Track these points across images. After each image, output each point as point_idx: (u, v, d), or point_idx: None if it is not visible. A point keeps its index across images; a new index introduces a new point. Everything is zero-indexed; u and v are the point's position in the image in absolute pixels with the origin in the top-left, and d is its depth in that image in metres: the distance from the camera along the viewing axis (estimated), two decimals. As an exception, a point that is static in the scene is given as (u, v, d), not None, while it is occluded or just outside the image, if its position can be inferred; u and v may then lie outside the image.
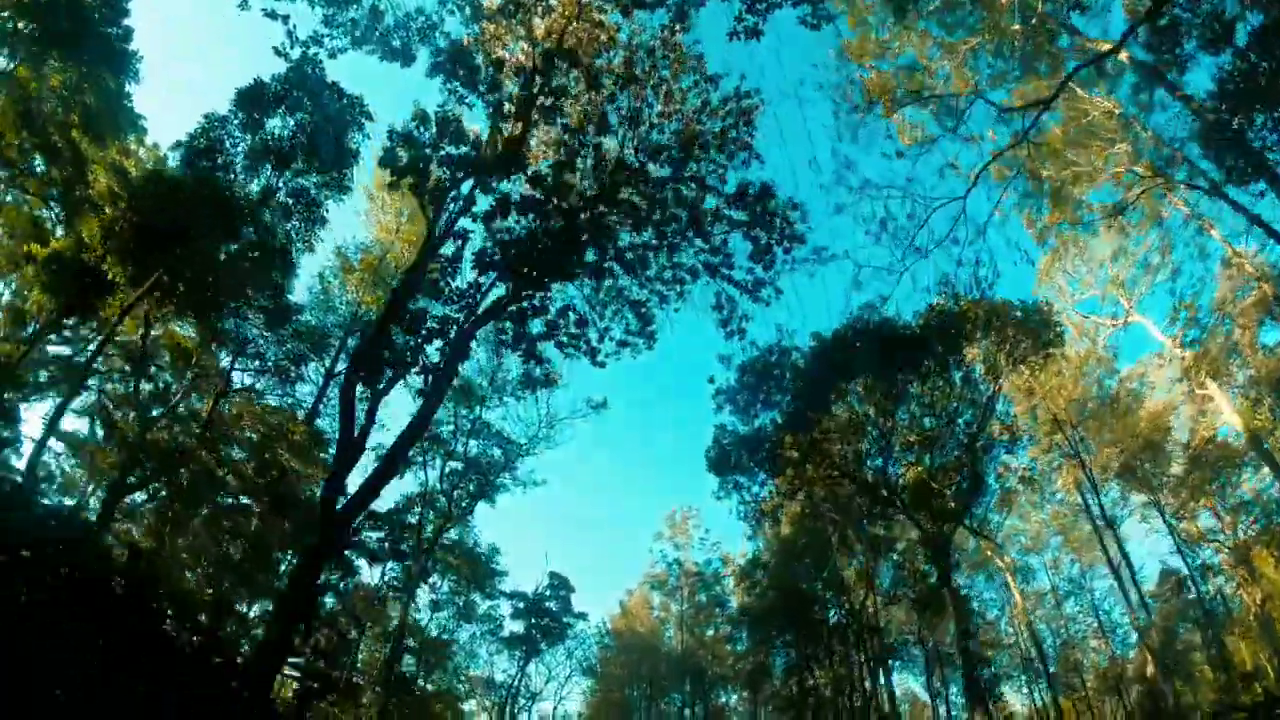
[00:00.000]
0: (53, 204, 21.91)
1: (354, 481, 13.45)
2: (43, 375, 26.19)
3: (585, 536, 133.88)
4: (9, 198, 22.12)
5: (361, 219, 27.42)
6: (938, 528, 20.89)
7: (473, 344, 15.51)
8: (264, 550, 28.14)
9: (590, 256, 16.82)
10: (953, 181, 21.10)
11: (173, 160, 19.40)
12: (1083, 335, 28.79)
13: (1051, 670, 40.50)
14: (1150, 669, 31.53)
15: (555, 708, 45.79)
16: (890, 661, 35.08)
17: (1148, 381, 30.71)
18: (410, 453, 30.81)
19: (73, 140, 20.65)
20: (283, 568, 32.86)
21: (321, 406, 24.64)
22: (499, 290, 15.39)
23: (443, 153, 16.31)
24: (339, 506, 12.43)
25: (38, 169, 21.38)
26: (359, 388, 12.51)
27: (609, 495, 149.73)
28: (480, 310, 14.56)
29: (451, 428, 30.34)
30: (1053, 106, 22.27)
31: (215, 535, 27.09)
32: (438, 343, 14.67)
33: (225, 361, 22.31)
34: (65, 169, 20.92)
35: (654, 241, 16.88)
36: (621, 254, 16.84)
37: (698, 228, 16.93)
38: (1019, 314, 19.31)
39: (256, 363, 23.30)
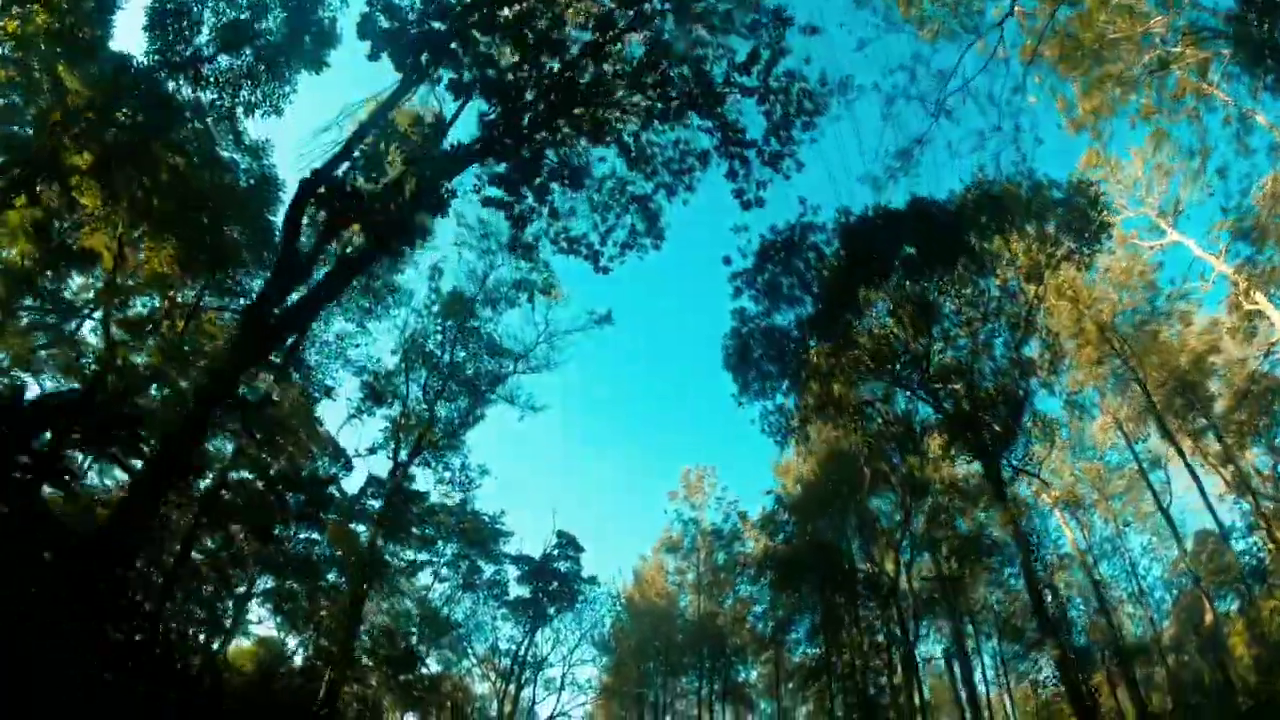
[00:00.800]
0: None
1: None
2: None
3: (594, 499, 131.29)
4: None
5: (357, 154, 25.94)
6: (989, 439, 19.11)
7: (451, 206, 13.96)
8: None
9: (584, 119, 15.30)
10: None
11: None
12: (1124, 245, 26.90)
13: (1084, 642, 38.24)
14: (1209, 616, 29.41)
15: (564, 675, 43.22)
16: (925, 620, 32.98)
17: (1193, 300, 28.84)
18: (395, 371, 28.42)
19: (56, 75, 19.56)
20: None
21: (305, 342, 23.15)
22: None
23: (428, 26, 15.02)
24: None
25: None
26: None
27: (616, 459, 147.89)
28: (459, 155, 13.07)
29: (439, 337, 28.56)
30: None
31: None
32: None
33: (199, 286, 20.99)
34: (44, 100, 19.83)
35: (658, 105, 15.29)
36: (619, 115, 15.34)
37: (706, 95, 15.37)
38: (1060, 194, 17.62)
39: (238, 296, 21.94)
